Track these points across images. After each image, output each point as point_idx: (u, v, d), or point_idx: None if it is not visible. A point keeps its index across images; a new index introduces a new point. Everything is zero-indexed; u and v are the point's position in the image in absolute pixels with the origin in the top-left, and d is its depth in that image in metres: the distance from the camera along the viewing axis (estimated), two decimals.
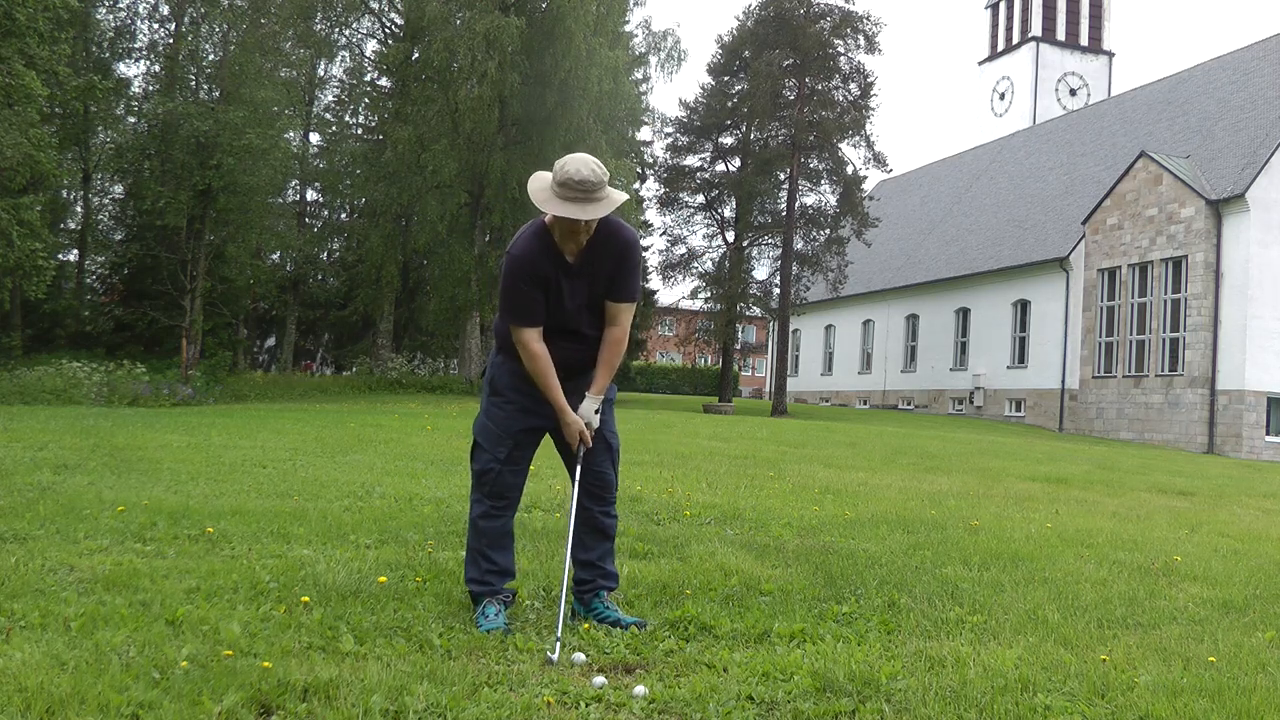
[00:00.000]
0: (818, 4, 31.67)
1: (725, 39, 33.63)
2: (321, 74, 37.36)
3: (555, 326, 3.90)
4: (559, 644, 3.49)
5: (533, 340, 3.83)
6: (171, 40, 32.86)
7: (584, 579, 4.06)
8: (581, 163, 3.72)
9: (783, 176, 32.95)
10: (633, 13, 35.18)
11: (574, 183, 3.67)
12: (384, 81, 33.35)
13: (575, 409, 3.94)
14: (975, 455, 15.05)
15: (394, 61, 28.96)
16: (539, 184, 3.80)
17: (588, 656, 3.48)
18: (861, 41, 31.50)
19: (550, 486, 7.41)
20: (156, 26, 33.80)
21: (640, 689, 3.13)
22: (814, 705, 3.10)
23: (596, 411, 3.97)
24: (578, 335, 3.96)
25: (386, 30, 31.80)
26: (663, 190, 35.29)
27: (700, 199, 34.78)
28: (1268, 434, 26.31)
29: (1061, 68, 52.49)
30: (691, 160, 34.79)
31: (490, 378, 4.09)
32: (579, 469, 4.01)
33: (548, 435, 4.10)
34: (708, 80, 34.33)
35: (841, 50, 31.71)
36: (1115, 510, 9.06)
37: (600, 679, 3.23)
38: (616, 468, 4.15)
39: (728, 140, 34.45)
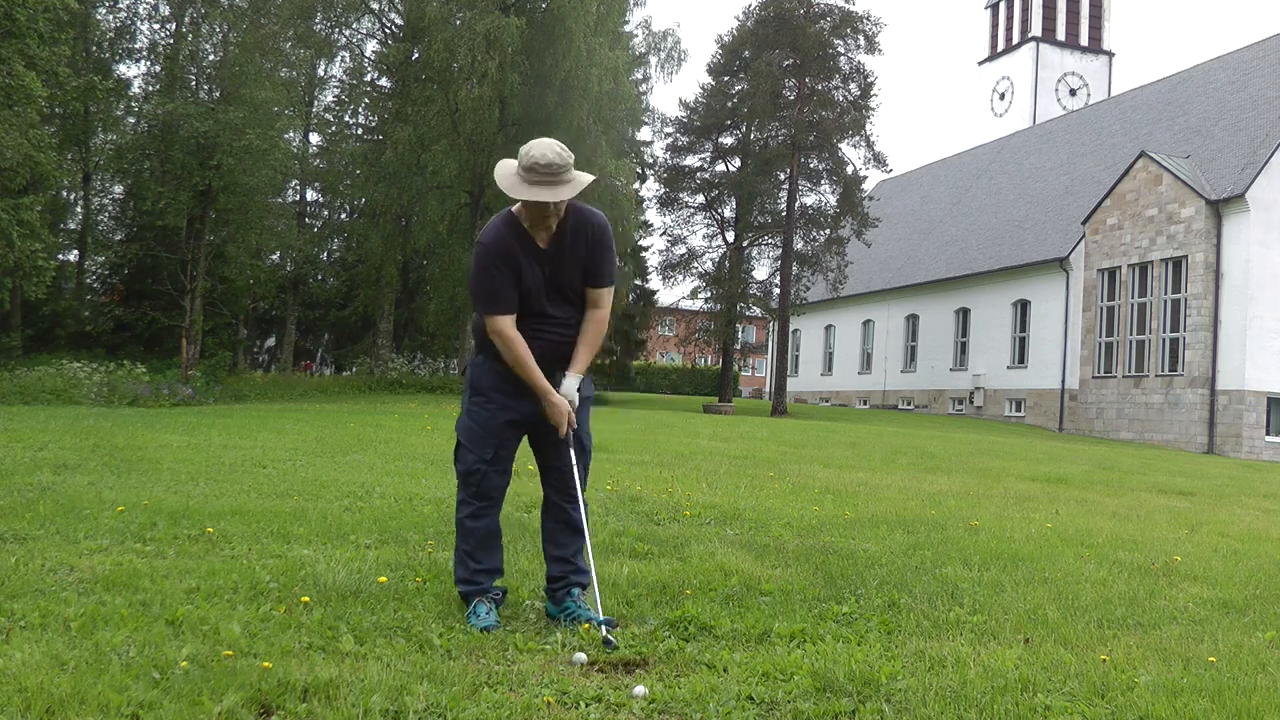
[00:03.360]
0: (818, 4, 31.69)
1: (725, 39, 33.64)
2: (321, 74, 37.34)
3: (532, 313, 3.87)
4: (604, 627, 3.67)
5: (507, 327, 3.80)
6: (171, 41, 32.83)
7: (556, 576, 4.06)
8: (546, 147, 3.72)
9: (783, 176, 32.96)
10: (633, 13, 35.18)
11: (540, 167, 3.68)
12: (384, 81, 33.33)
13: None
14: (975, 455, 15.04)
15: (394, 61, 28.95)
16: (505, 170, 3.81)
17: (588, 656, 3.48)
18: (861, 41, 31.54)
19: None
20: (156, 27, 33.81)
21: (640, 689, 3.14)
22: (814, 705, 3.10)
23: (579, 390, 3.96)
24: (554, 320, 3.92)
25: (386, 30, 31.78)
26: (663, 190, 35.30)
27: (700, 199, 34.77)
28: (1268, 434, 26.32)
29: (1061, 68, 52.49)
30: (691, 160, 34.82)
31: (471, 379, 4.06)
32: (546, 467, 4.07)
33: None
34: (708, 80, 34.35)
35: (841, 50, 31.74)
36: (1115, 510, 9.05)
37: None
38: (586, 471, 4.15)
39: (728, 140, 34.47)
